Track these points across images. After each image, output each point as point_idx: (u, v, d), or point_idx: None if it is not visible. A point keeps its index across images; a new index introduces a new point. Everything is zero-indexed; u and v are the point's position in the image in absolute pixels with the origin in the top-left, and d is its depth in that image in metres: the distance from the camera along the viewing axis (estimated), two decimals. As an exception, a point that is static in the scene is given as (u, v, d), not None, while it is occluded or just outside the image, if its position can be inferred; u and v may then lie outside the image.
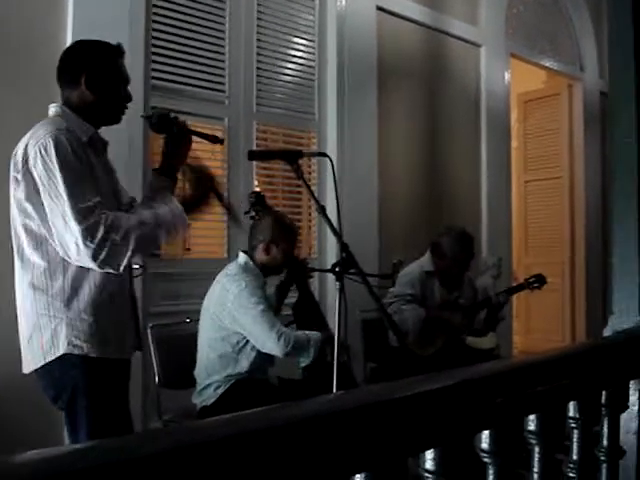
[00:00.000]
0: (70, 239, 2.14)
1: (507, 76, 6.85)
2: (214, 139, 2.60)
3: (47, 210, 2.18)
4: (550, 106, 8.12)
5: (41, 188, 2.18)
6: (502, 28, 6.78)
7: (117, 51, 2.46)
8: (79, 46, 2.50)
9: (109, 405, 2.33)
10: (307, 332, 3.34)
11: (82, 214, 2.12)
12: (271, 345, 3.22)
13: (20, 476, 0.78)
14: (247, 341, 3.29)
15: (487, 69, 6.57)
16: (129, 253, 2.19)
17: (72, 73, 2.39)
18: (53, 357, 2.25)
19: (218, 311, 3.32)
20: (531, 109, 8.27)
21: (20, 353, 2.35)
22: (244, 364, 3.32)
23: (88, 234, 2.11)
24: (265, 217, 3.51)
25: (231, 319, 3.28)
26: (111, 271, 2.22)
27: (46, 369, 2.28)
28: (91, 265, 2.17)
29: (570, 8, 7.79)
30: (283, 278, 3.65)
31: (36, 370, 2.31)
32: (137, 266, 2.63)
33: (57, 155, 2.16)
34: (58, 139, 2.19)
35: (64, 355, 2.24)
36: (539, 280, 4.46)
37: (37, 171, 2.18)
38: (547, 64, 7.59)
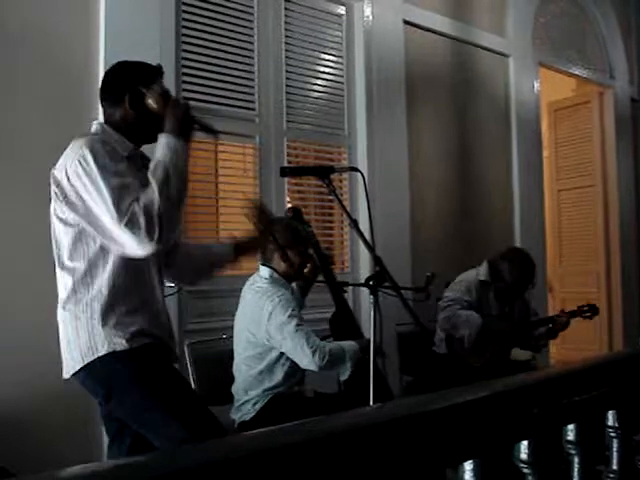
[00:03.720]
0: (125, 237, 2.20)
1: (536, 85, 6.82)
2: (212, 132, 2.58)
3: (97, 215, 2.24)
4: (581, 114, 8.06)
5: (86, 197, 2.25)
6: (530, 38, 6.76)
7: (158, 71, 2.54)
8: (122, 67, 2.58)
9: (167, 382, 2.39)
10: (342, 343, 3.34)
11: (123, 211, 2.18)
12: (306, 362, 3.23)
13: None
14: (282, 353, 3.31)
15: (516, 79, 6.55)
16: (175, 210, 2.28)
17: (116, 93, 2.47)
18: (92, 358, 2.30)
19: (254, 329, 3.32)
20: (561, 118, 8.22)
21: (56, 363, 2.42)
22: (279, 375, 3.34)
23: (134, 227, 2.17)
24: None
25: (268, 336, 3.28)
26: (173, 235, 2.33)
27: (89, 370, 2.32)
28: (155, 247, 2.22)
29: (598, 16, 7.75)
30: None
31: (77, 373, 2.35)
32: (171, 285, 2.67)
33: (96, 164, 2.23)
34: (94, 147, 2.26)
35: (105, 355, 2.30)
36: (592, 309, 4.53)
37: (81, 182, 2.25)
38: (576, 72, 7.54)
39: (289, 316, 3.24)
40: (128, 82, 2.47)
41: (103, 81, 2.54)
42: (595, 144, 7.90)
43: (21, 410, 3.34)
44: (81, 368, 2.33)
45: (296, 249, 3.45)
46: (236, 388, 3.41)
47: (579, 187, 8.04)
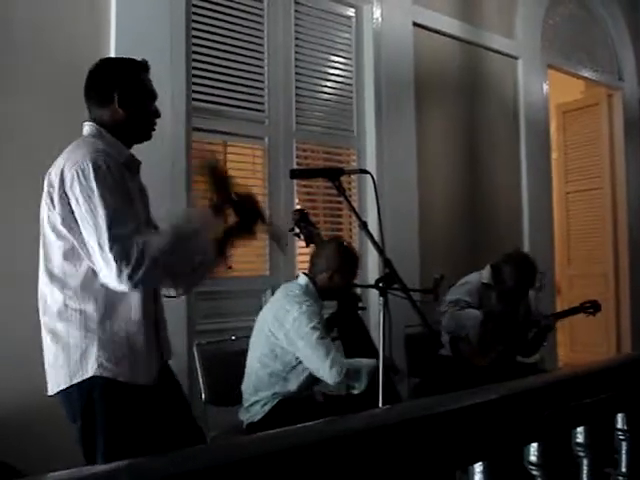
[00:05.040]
0: (106, 264, 2.11)
1: (545, 87, 6.81)
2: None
3: (84, 234, 2.16)
4: (589, 116, 8.04)
5: (77, 212, 2.16)
6: (539, 40, 6.75)
7: (143, 67, 2.44)
8: (107, 64, 2.47)
9: (128, 431, 2.26)
10: (360, 360, 3.34)
11: (117, 240, 2.10)
12: (323, 373, 3.22)
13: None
14: (300, 362, 3.31)
15: (525, 81, 6.55)
16: (161, 275, 2.20)
17: (103, 92, 2.36)
18: (80, 379, 2.20)
19: (275, 329, 3.33)
20: (570, 120, 8.20)
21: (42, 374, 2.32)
22: (293, 384, 3.34)
23: (123, 259, 2.09)
24: (330, 244, 3.56)
25: (288, 340, 3.29)
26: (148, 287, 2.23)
27: (70, 389, 2.23)
28: (126, 288, 2.14)
29: (607, 18, 7.74)
30: (335, 311, 3.68)
31: (59, 392, 2.26)
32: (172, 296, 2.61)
33: (96, 180, 2.13)
34: (97, 163, 2.15)
35: (91, 378, 2.20)
36: (594, 306, 4.51)
37: (74, 195, 2.15)
38: (585, 74, 7.53)
39: (312, 327, 3.24)
40: (115, 80, 2.36)
41: (88, 81, 2.39)
42: (604, 146, 7.88)
43: (26, 409, 3.33)
44: (66, 388, 2.24)
45: (344, 275, 3.49)
46: (246, 387, 3.41)
47: (587, 189, 8.02)
